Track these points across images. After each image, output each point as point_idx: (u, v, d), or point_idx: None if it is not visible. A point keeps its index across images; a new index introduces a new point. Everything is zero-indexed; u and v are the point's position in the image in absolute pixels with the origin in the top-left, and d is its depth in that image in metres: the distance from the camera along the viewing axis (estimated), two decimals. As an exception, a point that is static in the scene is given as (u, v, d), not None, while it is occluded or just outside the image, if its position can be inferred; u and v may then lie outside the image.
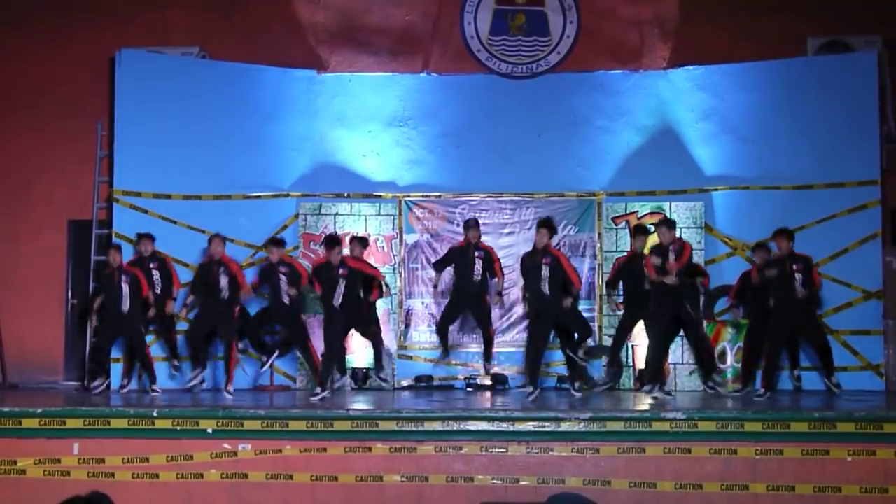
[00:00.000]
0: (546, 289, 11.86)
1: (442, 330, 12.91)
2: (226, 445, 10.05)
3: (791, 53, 14.08)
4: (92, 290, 13.45)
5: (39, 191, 14.33)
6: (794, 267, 11.96)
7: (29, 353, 14.03)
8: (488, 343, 12.84)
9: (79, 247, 14.28)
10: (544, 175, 14.17)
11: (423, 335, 13.83)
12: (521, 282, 12.77)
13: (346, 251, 12.57)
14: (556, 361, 13.39)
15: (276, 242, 12.96)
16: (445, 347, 13.01)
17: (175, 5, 14.54)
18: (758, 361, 12.47)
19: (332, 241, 12.31)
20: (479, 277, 12.63)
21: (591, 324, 13.34)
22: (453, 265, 12.88)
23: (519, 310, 13.76)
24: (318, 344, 12.54)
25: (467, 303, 12.81)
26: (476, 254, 12.63)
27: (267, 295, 12.86)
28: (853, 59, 13.76)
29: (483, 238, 13.28)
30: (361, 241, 13.03)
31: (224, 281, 12.28)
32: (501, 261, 13.14)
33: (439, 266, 13.02)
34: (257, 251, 13.73)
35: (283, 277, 12.56)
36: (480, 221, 13.92)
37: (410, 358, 13.60)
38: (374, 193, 14.28)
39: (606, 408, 10.87)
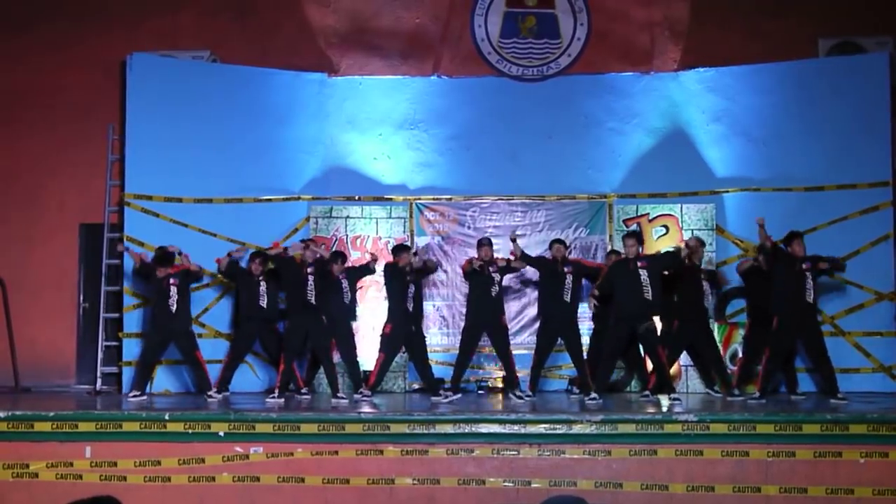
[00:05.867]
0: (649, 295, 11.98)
1: (463, 362, 12.55)
2: (238, 448, 10.07)
3: (802, 55, 14.05)
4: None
5: (51, 194, 14.36)
6: (804, 266, 11.88)
7: (41, 356, 14.04)
8: (510, 369, 12.46)
9: (90, 250, 14.30)
10: (555, 177, 14.16)
11: (435, 337, 13.75)
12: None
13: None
14: (567, 364, 13.40)
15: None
16: (459, 380, 12.54)
17: (186, 9, 14.57)
18: (756, 366, 12.44)
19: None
20: (496, 293, 12.42)
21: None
22: (470, 284, 12.64)
23: (531, 312, 13.72)
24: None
25: (485, 325, 12.49)
26: (490, 269, 12.39)
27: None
28: (864, 61, 13.72)
29: (494, 241, 13.24)
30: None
31: (312, 286, 12.23)
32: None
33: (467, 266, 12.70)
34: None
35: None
36: (491, 224, 14.00)
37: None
38: (385, 196, 14.29)
39: (617, 410, 10.85)
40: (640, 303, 11.98)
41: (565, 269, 12.47)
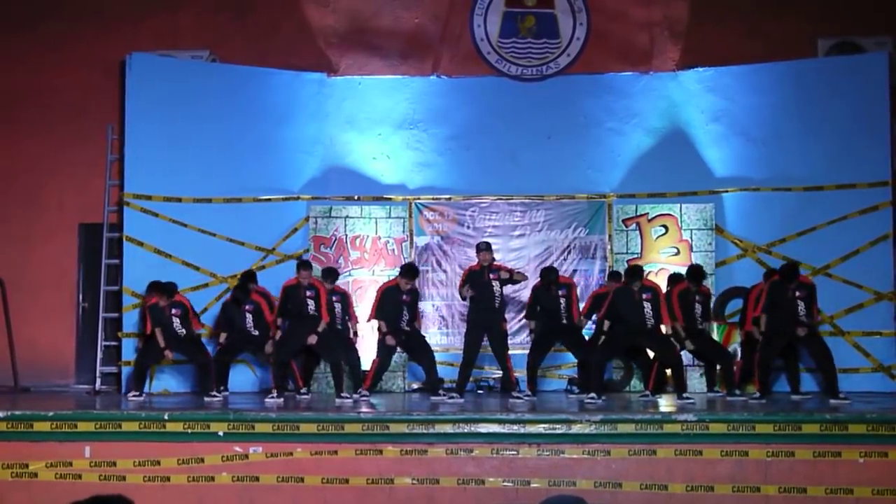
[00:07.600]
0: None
1: (467, 367, 12.45)
2: (237, 448, 10.07)
3: (801, 54, 14.05)
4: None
5: (50, 194, 14.35)
6: (798, 294, 11.86)
7: (40, 356, 14.03)
8: (508, 372, 12.48)
9: (89, 250, 14.29)
10: (554, 177, 14.16)
11: (434, 337, 13.74)
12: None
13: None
14: (568, 363, 13.41)
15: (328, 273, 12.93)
16: (464, 385, 12.45)
17: (185, 9, 14.56)
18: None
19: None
20: (498, 302, 12.34)
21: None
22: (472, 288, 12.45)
23: (529, 311, 13.76)
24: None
25: (486, 329, 12.39)
26: (491, 276, 12.28)
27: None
28: (863, 60, 13.72)
29: (493, 240, 13.25)
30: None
31: (312, 305, 12.13)
32: (511, 264, 13.14)
33: (464, 291, 12.41)
34: (267, 254, 13.76)
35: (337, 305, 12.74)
36: (490, 224, 13.99)
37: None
38: (385, 196, 14.28)
39: (617, 410, 10.85)
40: (641, 330, 12.12)
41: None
